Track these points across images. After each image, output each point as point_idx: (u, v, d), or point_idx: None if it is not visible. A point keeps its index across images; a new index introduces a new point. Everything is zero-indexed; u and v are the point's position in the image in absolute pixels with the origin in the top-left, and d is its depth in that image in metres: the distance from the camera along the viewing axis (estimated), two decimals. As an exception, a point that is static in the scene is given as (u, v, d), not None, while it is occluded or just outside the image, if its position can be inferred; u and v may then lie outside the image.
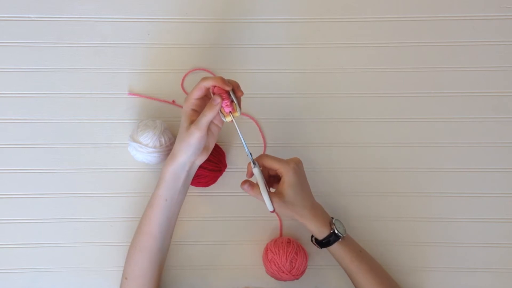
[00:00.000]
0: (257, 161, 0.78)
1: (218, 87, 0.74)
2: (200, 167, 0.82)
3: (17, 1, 0.89)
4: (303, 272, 0.84)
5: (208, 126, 0.75)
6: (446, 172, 0.89)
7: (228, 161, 0.88)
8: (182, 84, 0.89)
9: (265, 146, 0.89)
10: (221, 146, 0.87)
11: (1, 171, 0.88)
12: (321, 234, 0.79)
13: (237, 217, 0.89)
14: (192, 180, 0.83)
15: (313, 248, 0.88)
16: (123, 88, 0.89)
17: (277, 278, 0.84)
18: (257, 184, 0.77)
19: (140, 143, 0.82)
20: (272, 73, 0.90)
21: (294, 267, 0.82)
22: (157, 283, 0.81)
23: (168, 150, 0.83)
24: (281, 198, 0.77)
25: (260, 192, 0.76)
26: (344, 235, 0.80)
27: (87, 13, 0.89)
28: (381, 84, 0.90)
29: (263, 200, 0.76)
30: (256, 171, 0.77)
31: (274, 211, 0.77)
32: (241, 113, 0.88)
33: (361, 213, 0.88)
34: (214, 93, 0.76)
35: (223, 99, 0.74)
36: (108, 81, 0.89)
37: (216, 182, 0.86)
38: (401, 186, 0.89)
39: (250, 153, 0.78)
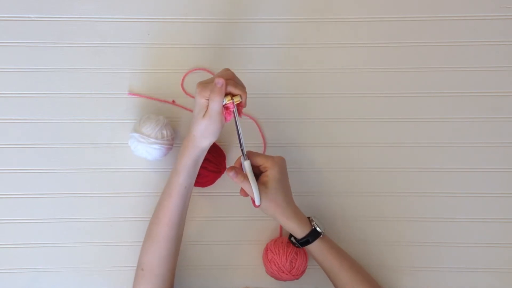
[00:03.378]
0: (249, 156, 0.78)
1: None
2: (201, 167, 0.82)
3: (17, 1, 0.89)
4: (303, 272, 0.84)
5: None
6: (446, 172, 0.89)
7: (228, 162, 0.88)
8: (182, 84, 0.89)
9: (265, 146, 0.89)
10: (221, 148, 0.87)
11: (1, 171, 0.88)
12: (302, 232, 0.79)
13: (237, 217, 0.89)
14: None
15: (313, 248, 0.88)
16: (123, 88, 0.89)
17: (277, 278, 0.84)
18: (244, 174, 0.77)
19: (142, 133, 0.82)
20: (272, 73, 0.90)
21: (294, 267, 0.82)
22: (174, 272, 0.82)
23: (169, 144, 0.84)
24: (265, 191, 0.76)
25: (245, 181, 0.76)
26: (324, 232, 0.80)
27: (87, 13, 0.89)
28: (381, 84, 0.90)
29: (250, 191, 0.76)
30: (247, 164, 0.77)
31: (259, 206, 0.77)
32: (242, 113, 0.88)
33: (361, 213, 0.88)
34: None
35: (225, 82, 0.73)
36: (108, 81, 0.89)
37: (216, 183, 0.86)
38: (401, 186, 0.89)
39: (243, 148, 0.77)
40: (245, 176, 0.77)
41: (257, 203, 0.77)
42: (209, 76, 0.89)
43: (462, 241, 0.89)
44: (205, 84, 0.74)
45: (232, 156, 0.89)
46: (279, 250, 0.83)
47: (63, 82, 0.89)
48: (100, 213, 0.88)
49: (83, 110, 0.89)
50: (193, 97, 0.89)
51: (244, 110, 0.88)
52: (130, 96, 0.89)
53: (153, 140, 0.82)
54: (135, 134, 0.82)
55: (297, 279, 0.84)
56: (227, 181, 0.88)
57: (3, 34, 0.89)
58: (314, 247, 0.80)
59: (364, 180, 0.89)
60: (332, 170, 0.89)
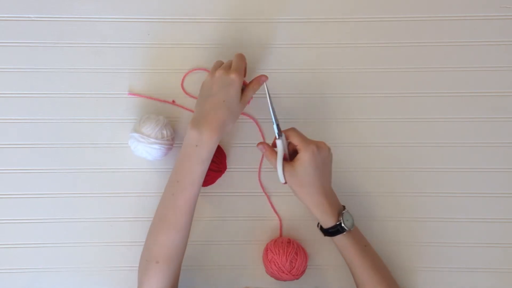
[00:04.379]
0: (283, 133, 0.80)
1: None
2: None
3: (17, 1, 0.89)
4: (303, 272, 0.84)
5: None
6: (446, 172, 0.89)
7: (228, 161, 0.88)
8: (182, 84, 0.89)
9: (265, 146, 0.89)
10: (222, 147, 0.87)
11: (1, 171, 0.88)
12: (326, 223, 0.79)
13: (237, 217, 0.89)
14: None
15: (313, 248, 0.88)
16: (123, 88, 0.89)
17: (277, 278, 0.84)
18: (274, 151, 0.79)
19: (142, 133, 0.82)
20: (272, 73, 0.89)
21: (294, 267, 0.82)
22: (182, 261, 0.81)
23: (169, 144, 0.84)
24: (292, 172, 0.77)
25: (271, 158, 0.79)
26: (351, 229, 0.78)
27: (87, 13, 0.89)
28: (381, 84, 0.90)
29: (275, 167, 0.78)
30: (279, 142, 0.79)
31: (285, 183, 0.78)
32: (243, 113, 0.89)
33: (361, 213, 0.88)
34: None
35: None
36: (108, 81, 0.89)
37: (217, 182, 0.86)
38: (401, 186, 0.89)
39: (278, 124, 0.80)
40: (273, 153, 0.79)
41: (281, 181, 0.78)
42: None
43: (462, 241, 0.89)
44: (241, 70, 0.80)
45: (232, 156, 0.89)
46: (279, 250, 0.83)
47: (63, 82, 0.89)
48: (100, 213, 0.88)
49: (83, 110, 0.89)
50: (193, 97, 0.89)
51: (244, 110, 0.88)
52: (130, 96, 0.89)
53: (153, 140, 0.82)
54: (135, 134, 0.82)
55: (297, 279, 0.84)
56: (227, 181, 0.88)
57: (3, 34, 0.89)
58: (337, 240, 0.79)
59: (363, 180, 0.89)
60: (332, 170, 0.88)
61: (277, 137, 0.80)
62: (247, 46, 0.90)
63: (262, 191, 0.89)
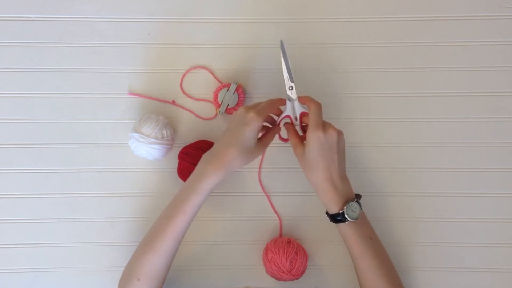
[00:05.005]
0: (300, 99, 0.81)
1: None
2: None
3: (17, 1, 0.89)
4: (303, 272, 0.84)
5: None
6: (446, 172, 0.89)
7: (228, 161, 0.88)
8: (181, 84, 0.89)
9: (265, 146, 0.89)
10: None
11: (1, 171, 0.88)
12: (330, 209, 0.79)
13: (237, 217, 0.89)
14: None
15: (313, 248, 0.88)
16: (123, 88, 0.89)
17: (277, 278, 0.84)
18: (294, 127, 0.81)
19: (142, 133, 0.82)
20: (272, 73, 0.90)
21: (294, 267, 0.82)
22: (164, 280, 0.81)
23: (169, 144, 0.84)
24: (301, 152, 0.78)
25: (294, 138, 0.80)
26: (354, 220, 0.77)
27: (87, 13, 0.89)
28: (380, 84, 0.90)
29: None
30: (289, 105, 0.81)
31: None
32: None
33: (361, 213, 0.88)
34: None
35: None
36: (108, 81, 0.89)
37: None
38: (401, 186, 0.89)
39: (292, 86, 0.81)
40: (295, 132, 0.81)
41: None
42: (207, 74, 0.89)
43: (462, 241, 0.89)
44: (262, 111, 0.78)
45: (232, 156, 0.89)
46: (279, 250, 0.83)
47: (63, 82, 0.89)
48: (100, 213, 0.88)
49: (83, 110, 0.89)
50: (191, 97, 0.89)
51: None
52: (130, 96, 0.89)
53: (153, 140, 0.82)
54: (135, 134, 0.83)
55: (297, 279, 0.84)
56: (227, 181, 0.88)
57: (3, 34, 0.89)
58: (340, 228, 0.79)
59: (363, 180, 0.89)
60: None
61: (288, 97, 0.81)
62: (247, 46, 0.90)
63: (262, 191, 0.89)
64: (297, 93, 0.82)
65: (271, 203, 0.89)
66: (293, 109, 0.81)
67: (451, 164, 0.89)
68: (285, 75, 0.82)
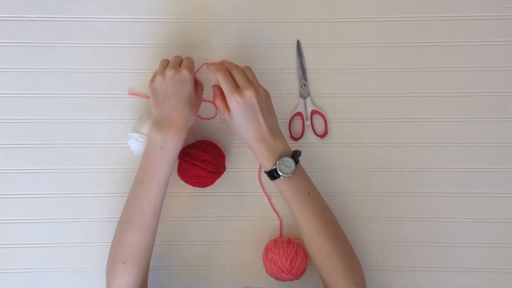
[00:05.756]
0: (212, 69, 0.80)
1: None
2: (200, 168, 0.82)
3: (17, 1, 0.89)
4: (303, 272, 0.84)
5: None
6: (446, 172, 0.89)
7: (227, 161, 0.88)
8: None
9: (265, 146, 0.89)
10: (221, 148, 0.87)
11: (1, 171, 0.88)
12: (264, 167, 0.79)
13: (237, 217, 0.89)
14: (191, 179, 0.84)
15: (313, 248, 0.88)
16: (123, 88, 0.89)
17: (277, 278, 0.84)
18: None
19: (142, 133, 0.82)
20: (272, 73, 0.90)
21: (294, 267, 0.82)
22: (150, 260, 0.81)
23: None
24: (229, 120, 0.80)
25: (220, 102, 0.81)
26: (287, 176, 0.77)
27: (87, 13, 0.89)
28: (380, 84, 0.90)
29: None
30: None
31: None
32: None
33: (361, 214, 0.88)
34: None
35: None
36: (108, 81, 0.89)
37: (217, 183, 0.86)
38: (400, 186, 0.89)
39: None
40: (221, 96, 0.80)
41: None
42: (207, 74, 0.89)
43: (462, 241, 0.89)
44: (191, 66, 0.81)
45: (232, 156, 0.89)
46: (279, 250, 0.83)
47: (63, 82, 0.89)
48: (100, 213, 0.88)
49: (83, 110, 0.89)
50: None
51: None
52: (130, 96, 0.89)
53: None
54: (135, 134, 0.83)
55: (297, 279, 0.84)
56: (227, 181, 0.88)
57: (3, 34, 0.89)
58: (277, 185, 0.79)
59: (363, 180, 0.89)
60: (330, 170, 0.89)
61: (301, 95, 0.87)
62: (246, 46, 0.90)
63: (262, 191, 0.89)
64: (309, 91, 0.85)
65: (271, 203, 0.89)
66: (305, 107, 0.82)
67: (451, 164, 0.89)
68: (299, 73, 0.85)
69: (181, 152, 0.84)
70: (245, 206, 0.89)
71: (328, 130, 0.89)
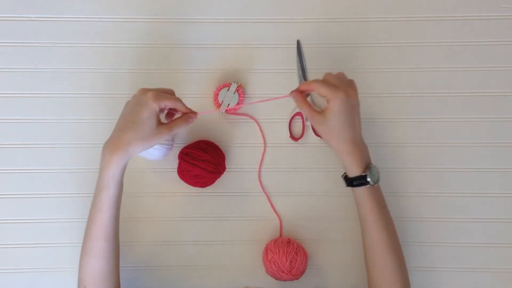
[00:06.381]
0: (305, 88, 0.79)
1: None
2: (200, 168, 0.82)
3: (17, 1, 0.89)
4: (303, 272, 0.84)
5: None
6: (446, 172, 0.89)
7: (227, 161, 0.88)
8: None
9: (265, 146, 0.89)
10: (221, 148, 0.87)
11: (1, 171, 0.88)
12: (352, 172, 0.78)
13: (237, 217, 0.89)
14: (191, 179, 0.84)
15: (313, 248, 0.88)
16: (123, 88, 0.89)
17: (277, 278, 0.84)
18: (307, 100, 0.79)
19: None
20: (272, 73, 0.90)
21: (294, 267, 0.82)
22: (118, 282, 0.79)
23: (169, 144, 0.84)
24: (322, 120, 0.76)
25: (306, 107, 0.78)
26: (374, 185, 0.77)
27: (87, 13, 0.89)
28: (380, 84, 0.90)
29: (308, 117, 0.79)
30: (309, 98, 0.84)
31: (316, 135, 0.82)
32: (243, 114, 0.89)
33: (361, 213, 0.88)
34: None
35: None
36: (108, 81, 0.89)
37: (217, 182, 0.86)
38: (400, 186, 0.89)
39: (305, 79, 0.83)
40: (305, 101, 0.79)
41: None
42: (207, 74, 0.89)
43: (462, 241, 0.89)
44: (161, 94, 0.75)
45: (232, 156, 0.89)
46: (279, 250, 0.83)
47: (63, 82, 0.89)
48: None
49: (83, 110, 0.89)
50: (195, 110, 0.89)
51: (245, 110, 0.89)
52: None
53: None
54: None
55: (297, 279, 0.84)
56: (227, 181, 0.88)
57: (3, 34, 0.89)
58: (358, 192, 0.78)
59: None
60: (330, 170, 0.89)
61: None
62: (247, 46, 0.90)
63: (262, 191, 0.89)
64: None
65: (271, 203, 0.89)
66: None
67: (451, 164, 0.89)
68: (299, 73, 0.85)
69: (181, 152, 0.84)
70: (245, 206, 0.89)
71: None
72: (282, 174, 0.89)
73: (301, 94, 0.79)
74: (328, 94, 0.75)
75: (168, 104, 0.76)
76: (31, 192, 0.88)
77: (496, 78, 0.90)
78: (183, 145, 0.87)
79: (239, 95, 0.86)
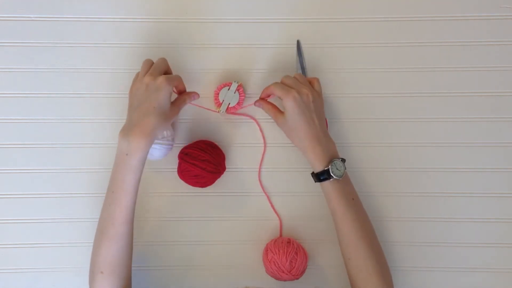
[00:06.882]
0: (265, 93, 0.84)
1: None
2: (200, 168, 0.82)
3: (17, 1, 0.89)
4: (303, 272, 0.84)
5: None
6: (446, 172, 0.89)
7: (227, 161, 0.88)
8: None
9: (265, 146, 0.89)
10: (221, 148, 0.87)
11: (1, 171, 0.88)
12: (315, 167, 0.80)
13: (237, 217, 0.89)
14: (191, 179, 0.84)
15: (313, 248, 0.88)
16: (123, 88, 0.89)
17: (277, 278, 0.84)
18: (272, 103, 0.85)
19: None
20: (272, 73, 0.90)
21: (294, 267, 0.82)
22: (131, 270, 0.81)
23: (169, 144, 0.84)
24: (283, 120, 0.82)
25: (272, 110, 0.84)
26: (338, 178, 0.79)
27: (87, 13, 0.89)
28: (380, 84, 0.90)
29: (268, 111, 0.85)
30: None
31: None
32: (243, 114, 0.89)
33: (361, 213, 0.88)
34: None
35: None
36: (108, 81, 0.89)
37: (217, 182, 0.86)
38: (400, 186, 0.89)
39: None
40: (270, 104, 0.84)
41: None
42: (207, 74, 0.89)
43: (462, 241, 0.89)
44: (169, 76, 0.80)
45: (232, 156, 0.89)
46: (279, 250, 0.83)
47: (63, 82, 0.89)
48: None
49: (83, 110, 0.89)
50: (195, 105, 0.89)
51: (245, 110, 0.88)
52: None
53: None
54: None
55: (297, 279, 0.84)
56: (227, 181, 0.88)
57: (3, 34, 0.89)
58: (324, 187, 0.81)
59: (363, 180, 0.89)
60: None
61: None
62: (247, 46, 0.90)
63: (262, 191, 0.89)
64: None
65: (271, 203, 0.89)
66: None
67: (451, 164, 0.89)
68: (299, 72, 0.86)
69: (181, 152, 0.84)
70: (245, 206, 0.89)
71: (328, 130, 0.89)
72: (282, 174, 0.89)
73: (264, 100, 0.85)
74: (281, 95, 0.80)
75: (176, 84, 0.82)
76: (31, 192, 0.88)
77: (496, 78, 0.90)
78: (183, 145, 0.87)
79: (239, 94, 0.86)
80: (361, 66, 0.90)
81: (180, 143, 0.88)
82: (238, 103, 0.86)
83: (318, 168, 0.80)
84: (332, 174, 0.78)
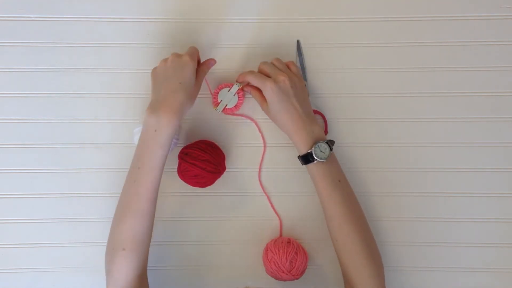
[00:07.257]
0: (241, 79, 0.85)
1: None
2: (200, 168, 0.82)
3: (17, 1, 0.89)
4: (303, 272, 0.84)
5: None
6: (446, 172, 0.89)
7: (227, 162, 0.88)
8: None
9: (265, 146, 0.89)
10: (221, 148, 0.87)
11: (1, 171, 0.88)
12: (299, 150, 0.81)
13: (237, 217, 0.89)
14: (191, 179, 0.84)
15: (313, 248, 0.88)
16: (123, 88, 0.89)
17: (277, 278, 0.84)
18: (258, 88, 0.85)
19: None
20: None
21: (294, 267, 0.82)
22: (149, 248, 0.80)
23: (175, 139, 0.84)
24: (267, 108, 0.83)
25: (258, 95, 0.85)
26: (322, 160, 0.79)
27: (87, 13, 0.89)
28: (380, 84, 0.90)
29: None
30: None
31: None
32: (241, 115, 0.89)
33: (361, 213, 0.88)
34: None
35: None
36: (108, 81, 0.89)
37: (217, 183, 0.86)
38: (401, 186, 0.89)
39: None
40: (256, 91, 0.85)
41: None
42: (207, 74, 0.89)
43: (462, 241, 0.89)
44: (193, 53, 0.83)
45: (232, 156, 0.89)
46: (279, 250, 0.83)
47: (63, 82, 0.89)
48: (100, 213, 0.88)
49: (83, 110, 0.89)
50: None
51: (244, 110, 0.89)
52: (130, 96, 0.89)
53: None
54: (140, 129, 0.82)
55: (297, 279, 0.84)
56: (227, 181, 0.88)
57: (3, 34, 0.89)
58: (309, 169, 0.81)
59: (363, 180, 0.89)
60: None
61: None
62: (247, 46, 0.90)
63: (262, 191, 0.89)
64: (309, 91, 0.87)
65: (271, 203, 0.89)
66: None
67: (451, 164, 0.89)
68: (299, 72, 0.86)
69: (181, 152, 0.84)
70: (245, 206, 0.89)
71: (328, 130, 0.89)
72: (282, 174, 0.89)
73: (253, 86, 0.85)
74: (259, 85, 0.82)
75: (198, 58, 0.84)
76: (31, 192, 0.88)
77: (496, 78, 0.90)
78: (183, 145, 0.87)
79: (238, 97, 0.86)
80: (361, 66, 0.90)
81: (180, 143, 0.89)
82: (235, 106, 0.86)
83: (303, 151, 0.81)
84: (315, 157, 0.79)
